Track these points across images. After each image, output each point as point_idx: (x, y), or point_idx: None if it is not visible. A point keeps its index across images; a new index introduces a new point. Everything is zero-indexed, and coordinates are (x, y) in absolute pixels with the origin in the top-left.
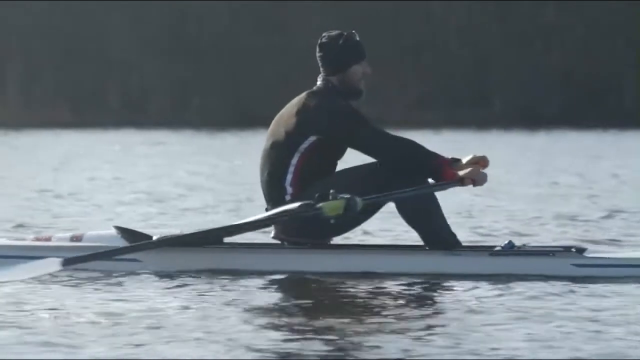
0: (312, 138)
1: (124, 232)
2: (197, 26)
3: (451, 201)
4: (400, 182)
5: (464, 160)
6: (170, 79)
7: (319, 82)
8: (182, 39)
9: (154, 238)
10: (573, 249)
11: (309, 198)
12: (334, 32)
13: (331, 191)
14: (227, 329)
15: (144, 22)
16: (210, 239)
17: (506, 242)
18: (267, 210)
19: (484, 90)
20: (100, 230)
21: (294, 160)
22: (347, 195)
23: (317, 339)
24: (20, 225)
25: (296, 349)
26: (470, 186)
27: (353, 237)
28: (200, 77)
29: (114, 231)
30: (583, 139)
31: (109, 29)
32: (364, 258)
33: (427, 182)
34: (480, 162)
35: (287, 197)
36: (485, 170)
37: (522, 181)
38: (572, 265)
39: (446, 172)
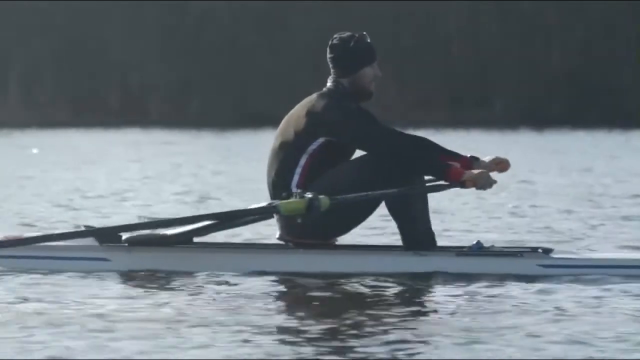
0: (321, 139)
1: (95, 231)
2: (197, 25)
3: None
4: (394, 180)
5: (486, 160)
6: (170, 79)
7: (329, 84)
8: (182, 38)
9: (124, 237)
10: (540, 250)
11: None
12: (345, 34)
13: (298, 190)
14: (228, 331)
15: (144, 21)
16: (171, 226)
17: (474, 242)
18: None
19: (485, 90)
20: (70, 229)
21: (302, 162)
22: (310, 195)
23: (313, 339)
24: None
25: (298, 350)
26: (474, 188)
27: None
28: (201, 76)
29: (83, 230)
30: (583, 139)
31: (110, 28)
32: (323, 258)
33: (423, 181)
34: (500, 165)
35: (294, 198)
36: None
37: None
38: (538, 266)
39: (452, 173)
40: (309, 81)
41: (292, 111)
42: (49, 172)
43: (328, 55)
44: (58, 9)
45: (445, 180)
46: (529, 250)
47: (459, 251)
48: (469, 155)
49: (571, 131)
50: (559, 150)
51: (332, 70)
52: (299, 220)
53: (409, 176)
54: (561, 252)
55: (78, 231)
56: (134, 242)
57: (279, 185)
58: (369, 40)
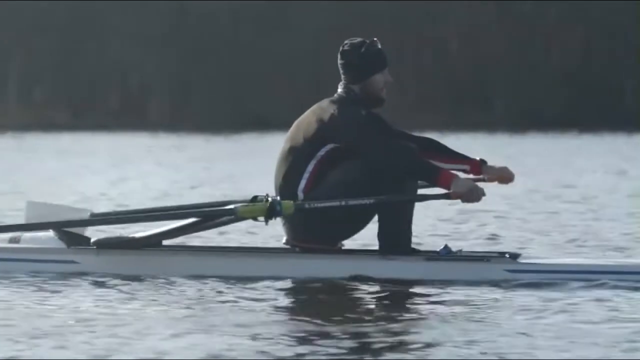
0: (330, 146)
1: (63, 234)
2: (197, 26)
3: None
4: (386, 184)
5: (496, 167)
6: (170, 80)
7: (339, 90)
8: (182, 39)
9: (92, 240)
10: (507, 255)
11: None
12: (357, 40)
13: (266, 194)
14: (229, 335)
15: (144, 22)
16: (139, 221)
17: (442, 247)
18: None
19: (485, 92)
20: (39, 232)
21: (310, 167)
22: (270, 199)
23: (316, 344)
24: None
25: (301, 353)
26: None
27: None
28: (201, 78)
29: (52, 233)
30: (583, 141)
31: (109, 29)
32: (304, 262)
33: (414, 186)
34: (505, 179)
35: (264, 196)
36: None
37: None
38: (505, 271)
39: (441, 178)
40: (310, 83)
41: (302, 116)
42: (87, 176)
43: (339, 61)
44: (57, 9)
45: (434, 185)
46: (497, 255)
47: (428, 256)
48: (478, 159)
49: (572, 133)
50: (552, 152)
51: (342, 76)
52: (263, 222)
53: (401, 181)
54: (528, 257)
55: (38, 223)
56: (102, 245)
57: (285, 189)
58: (380, 47)
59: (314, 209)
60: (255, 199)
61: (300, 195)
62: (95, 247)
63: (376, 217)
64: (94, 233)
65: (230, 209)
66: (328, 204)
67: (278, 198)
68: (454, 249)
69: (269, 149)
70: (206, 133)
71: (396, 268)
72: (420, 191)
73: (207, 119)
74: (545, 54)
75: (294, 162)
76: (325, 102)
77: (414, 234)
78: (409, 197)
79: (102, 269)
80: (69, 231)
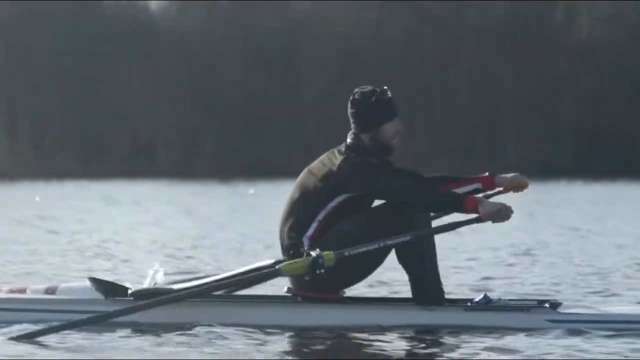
0: (342, 197)
1: (99, 284)
2: (207, 74)
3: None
4: (401, 227)
5: (508, 176)
6: (180, 128)
7: (349, 140)
8: (191, 87)
9: (130, 291)
10: (547, 304)
11: (322, 248)
12: (367, 89)
13: (305, 248)
14: None
15: (155, 70)
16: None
17: (481, 296)
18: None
19: (496, 141)
20: (74, 282)
21: (320, 217)
22: (314, 253)
23: None
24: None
25: None
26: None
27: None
28: (211, 126)
29: (88, 283)
30: (595, 190)
31: (120, 77)
32: (342, 312)
33: (430, 226)
34: (519, 188)
35: (303, 249)
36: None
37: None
38: (546, 321)
39: (468, 203)
40: (319, 130)
41: (312, 165)
42: (124, 228)
43: (349, 110)
44: (66, 56)
45: (462, 211)
46: (537, 304)
47: (467, 306)
48: (487, 174)
49: (584, 182)
50: (567, 201)
51: (352, 125)
52: (306, 278)
53: (415, 224)
54: (569, 307)
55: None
56: (139, 296)
57: (291, 235)
58: (390, 95)
59: (353, 255)
60: (294, 254)
61: (306, 242)
62: (132, 298)
63: (385, 265)
64: (131, 282)
65: (276, 270)
66: (365, 248)
67: (313, 252)
68: (493, 298)
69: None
70: (219, 180)
71: (434, 318)
72: (446, 220)
73: (216, 165)
74: (556, 102)
75: (303, 210)
76: (335, 153)
77: (447, 283)
78: (443, 228)
79: (138, 320)
80: (106, 281)
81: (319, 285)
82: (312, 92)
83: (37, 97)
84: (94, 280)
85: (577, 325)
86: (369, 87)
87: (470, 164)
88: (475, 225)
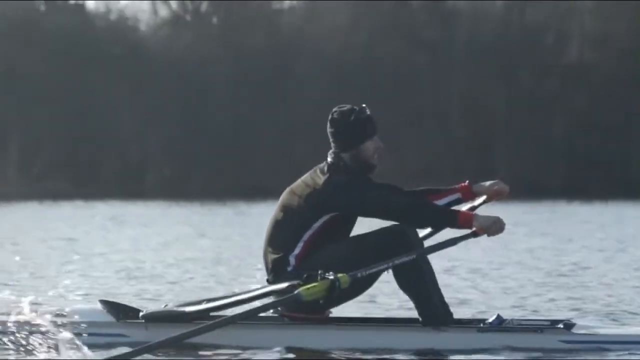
0: (326, 217)
1: (110, 306)
2: (197, 97)
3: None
4: (396, 250)
5: (487, 184)
6: (170, 149)
7: (329, 159)
8: (182, 110)
9: (142, 313)
10: (561, 325)
11: (311, 267)
12: (345, 107)
13: (319, 272)
14: None
15: (145, 94)
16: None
17: (494, 317)
18: (268, 281)
19: (487, 161)
20: (85, 304)
21: (305, 237)
22: (331, 276)
23: None
24: None
25: None
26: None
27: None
28: (202, 146)
29: (99, 305)
30: (587, 210)
31: (109, 100)
32: (357, 334)
33: (423, 246)
34: (500, 196)
35: (289, 269)
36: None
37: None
38: (560, 342)
39: (461, 218)
40: (309, 151)
41: (294, 185)
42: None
43: (328, 129)
44: (57, 81)
45: (456, 227)
46: (550, 324)
47: (480, 327)
48: (465, 182)
49: (575, 203)
50: (571, 220)
51: (332, 144)
52: (321, 302)
53: (410, 244)
54: (583, 327)
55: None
56: (151, 319)
57: (277, 255)
58: (369, 113)
59: (365, 276)
60: (308, 277)
61: (292, 261)
62: (144, 320)
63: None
64: (142, 304)
65: (295, 295)
66: (375, 269)
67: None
68: (505, 318)
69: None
70: (212, 202)
71: (446, 339)
72: (441, 236)
73: (207, 186)
74: (547, 122)
75: (288, 230)
76: (317, 172)
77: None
78: (441, 245)
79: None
80: (117, 303)
81: (306, 306)
82: (303, 113)
83: (27, 118)
84: (105, 303)
85: (592, 346)
86: (348, 106)
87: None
88: (485, 241)
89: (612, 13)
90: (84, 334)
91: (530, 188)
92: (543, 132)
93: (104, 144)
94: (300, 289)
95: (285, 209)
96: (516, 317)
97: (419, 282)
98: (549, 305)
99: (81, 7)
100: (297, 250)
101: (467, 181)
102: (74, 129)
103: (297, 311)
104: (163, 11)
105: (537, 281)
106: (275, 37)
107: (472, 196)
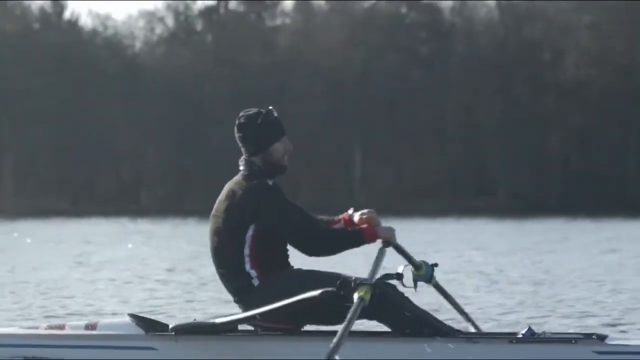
0: (253, 227)
1: (139, 320)
2: (194, 115)
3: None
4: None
5: (358, 213)
6: (165, 167)
7: (241, 167)
8: (178, 126)
9: (171, 325)
10: (594, 336)
11: (275, 279)
12: (252, 111)
13: (253, 279)
14: None
15: (142, 111)
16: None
17: (526, 329)
18: (235, 301)
19: (483, 178)
20: (114, 318)
21: (247, 251)
22: (368, 281)
23: None
24: None
25: None
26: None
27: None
28: (197, 163)
29: (128, 319)
30: (588, 228)
31: (104, 118)
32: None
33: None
34: (369, 221)
35: (255, 282)
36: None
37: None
38: (594, 352)
39: (367, 234)
40: (305, 167)
41: (214, 210)
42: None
43: (236, 135)
44: (52, 99)
45: (364, 243)
46: (583, 336)
47: (513, 338)
48: (349, 211)
49: (575, 220)
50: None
51: (243, 150)
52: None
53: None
54: (617, 338)
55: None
56: (181, 331)
57: (234, 275)
58: (276, 115)
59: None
60: (343, 284)
61: (253, 273)
62: (173, 333)
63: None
64: (170, 318)
65: (360, 300)
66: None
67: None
68: (537, 331)
69: None
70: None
71: (479, 351)
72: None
73: (202, 203)
74: (544, 139)
75: (229, 250)
76: (233, 182)
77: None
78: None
79: (181, 355)
80: (145, 317)
81: (283, 318)
82: (300, 129)
83: (22, 136)
84: (134, 317)
85: (626, 357)
86: (254, 110)
87: (459, 201)
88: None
89: (608, 29)
90: (113, 348)
91: (527, 204)
92: (539, 148)
93: (99, 161)
94: (358, 294)
95: (217, 234)
96: (547, 330)
97: (395, 309)
98: (578, 320)
99: (75, 25)
100: (248, 266)
101: (352, 209)
102: (69, 146)
103: (272, 322)
104: (159, 29)
105: (573, 296)
106: (272, 54)
107: (353, 225)
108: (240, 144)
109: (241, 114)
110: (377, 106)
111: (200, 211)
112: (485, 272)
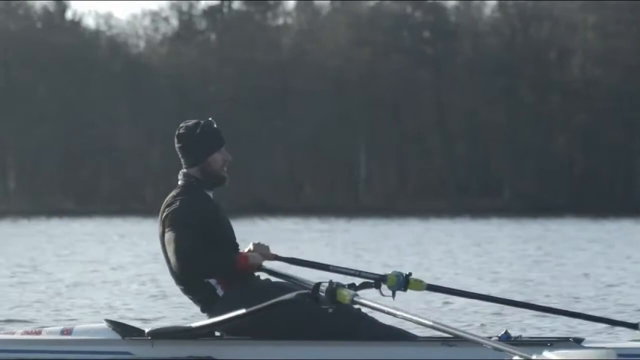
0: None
1: (116, 325)
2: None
3: None
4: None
5: (251, 246)
6: (169, 167)
7: (179, 178)
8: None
9: (147, 330)
10: (571, 339)
11: (241, 287)
12: (191, 122)
13: (217, 290)
14: None
15: (146, 111)
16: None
17: (502, 332)
18: (202, 311)
19: (489, 178)
20: (90, 323)
21: None
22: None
23: None
24: None
25: None
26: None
27: None
28: None
29: (104, 324)
30: (591, 228)
31: (109, 117)
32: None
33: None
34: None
35: (219, 292)
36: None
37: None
38: None
39: (240, 263)
40: (309, 166)
41: (161, 210)
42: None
43: (176, 146)
44: (56, 98)
45: (239, 271)
46: (559, 339)
47: (487, 342)
48: (251, 245)
49: (580, 220)
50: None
51: (182, 160)
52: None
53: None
54: (593, 342)
55: None
56: (157, 335)
57: (197, 287)
58: (215, 126)
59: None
60: (318, 286)
61: (213, 281)
62: (149, 337)
63: None
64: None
65: (331, 294)
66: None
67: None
68: (513, 334)
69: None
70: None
71: (454, 354)
72: None
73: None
74: (550, 139)
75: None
76: (169, 198)
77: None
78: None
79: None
80: (123, 323)
81: (250, 327)
82: (304, 129)
83: (26, 135)
84: (110, 322)
85: None
86: (194, 121)
87: (464, 202)
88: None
89: (614, 29)
90: (89, 352)
91: (533, 205)
92: (545, 148)
93: (103, 160)
94: (340, 293)
95: (165, 244)
96: (524, 335)
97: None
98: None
99: (78, 25)
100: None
101: (252, 244)
102: (73, 146)
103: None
104: (162, 28)
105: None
106: (276, 54)
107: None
108: (179, 155)
109: (181, 124)
110: (381, 106)
111: None
112: (481, 272)
